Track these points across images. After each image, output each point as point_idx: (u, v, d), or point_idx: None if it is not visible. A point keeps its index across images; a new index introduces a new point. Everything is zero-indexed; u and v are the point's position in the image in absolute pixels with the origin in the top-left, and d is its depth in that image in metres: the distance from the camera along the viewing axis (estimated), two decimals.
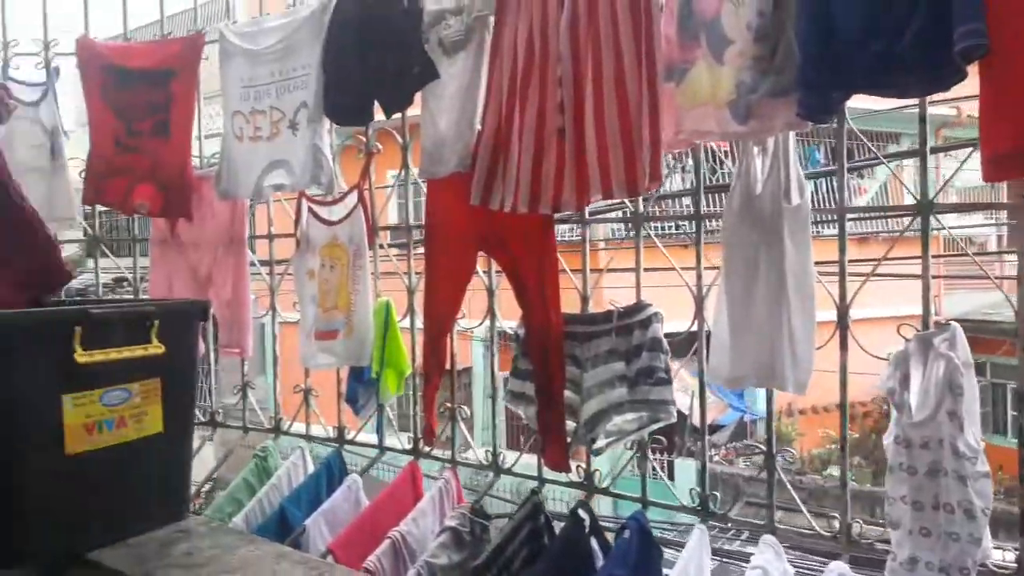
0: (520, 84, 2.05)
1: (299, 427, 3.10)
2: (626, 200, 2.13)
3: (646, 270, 2.19)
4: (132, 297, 3.33)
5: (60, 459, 1.70)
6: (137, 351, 1.83)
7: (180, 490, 2.03)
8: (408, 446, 2.76)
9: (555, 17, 1.99)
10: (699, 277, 2.07)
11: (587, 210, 2.20)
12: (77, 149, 3.25)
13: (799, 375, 1.81)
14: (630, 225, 2.23)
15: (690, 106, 1.82)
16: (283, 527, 2.65)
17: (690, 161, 2.61)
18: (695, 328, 2.12)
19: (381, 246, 2.77)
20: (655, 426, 2.09)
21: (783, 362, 1.81)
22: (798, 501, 2.02)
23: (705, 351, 2.06)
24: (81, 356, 1.70)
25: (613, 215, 2.80)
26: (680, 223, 7.88)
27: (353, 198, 2.70)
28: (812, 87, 1.62)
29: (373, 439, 2.95)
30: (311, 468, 2.95)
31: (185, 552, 1.79)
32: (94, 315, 1.78)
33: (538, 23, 2.02)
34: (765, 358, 1.84)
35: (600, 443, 2.15)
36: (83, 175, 3.06)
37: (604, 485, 2.33)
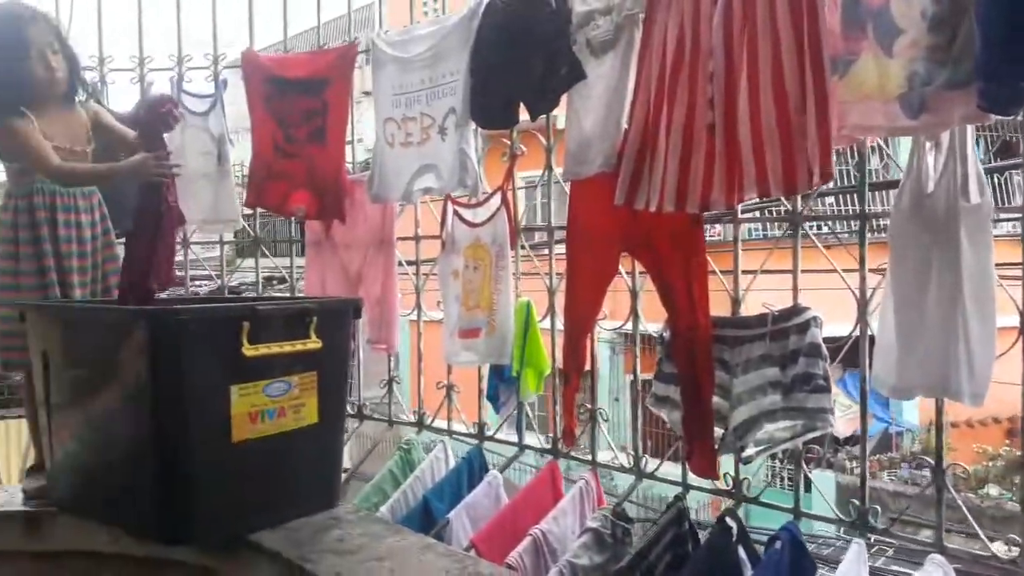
0: (669, 81, 2.01)
1: (437, 422, 3.18)
2: (782, 199, 2.05)
3: (803, 271, 2.09)
4: (289, 295, 3.51)
5: (227, 446, 1.82)
6: (297, 345, 1.92)
7: (332, 479, 2.12)
8: (547, 445, 2.77)
9: (708, 12, 1.94)
10: (863, 280, 1.96)
11: (739, 209, 2.13)
12: (237, 155, 3.47)
13: (976, 386, 1.68)
14: (767, 224, 2.14)
15: (854, 100, 1.73)
16: (426, 518, 2.72)
17: None
18: (850, 334, 2.01)
19: (523, 247, 2.80)
20: (810, 435, 2.00)
21: (958, 372, 1.68)
22: (973, 523, 1.88)
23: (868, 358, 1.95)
24: (248, 350, 1.81)
25: (750, 215, 2.70)
26: (821, 222, 7.52)
27: (496, 200, 2.73)
28: (996, 77, 1.50)
29: (512, 437, 2.98)
30: (452, 462, 3.01)
31: (337, 538, 1.86)
32: (261, 311, 1.89)
33: (690, 18, 1.98)
34: (937, 367, 1.72)
35: (750, 451, 2.09)
36: (244, 180, 3.25)
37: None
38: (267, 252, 3.53)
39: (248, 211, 3.35)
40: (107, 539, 2.03)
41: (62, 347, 2.01)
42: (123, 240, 2.32)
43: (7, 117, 2.11)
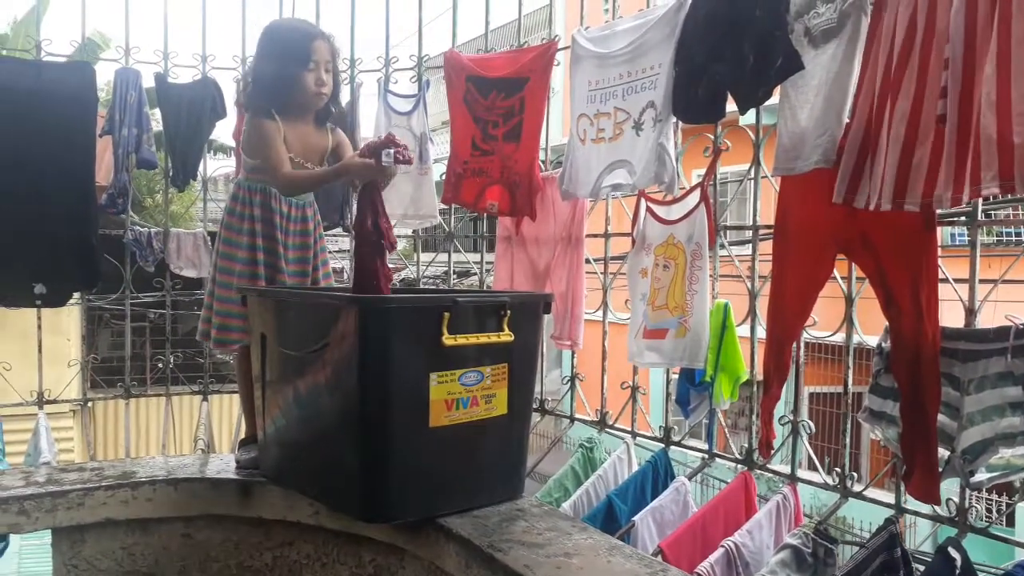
0: (895, 68, 1.84)
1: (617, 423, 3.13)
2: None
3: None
4: (480, 288, 3.58)
5: (424, 430, 1.85)
6: (492, 337, 1.93)
7: (518, 470, 2.11)
8: (740, 456, 2.65)
9: None
10: None
11: (980, 211, 1.92)
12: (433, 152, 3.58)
13: None
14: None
15: None
16: (609, 519, 2.69)
17: None
18: None
19: (722, 246, 2.68)
20: None
21: None
22: None
23: None
24: (448, 339, 1.83)
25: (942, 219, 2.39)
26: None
27: (693, 198, 2.64)
28: None
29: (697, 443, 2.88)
30: (635, 464, 2.95)
31: (523, 530, 1.84)
32: (461, 303, 1.92)
33: (925, 1, 1.80)
34: None
35: (980, 477, 1.88)
36: (443, 177, 3.35)
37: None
38: (459, 247, 3.62)
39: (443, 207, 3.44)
40: (309, 511, 2.13)
41: (277, 329, 2.13)
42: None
43: (262, 116, 2.27)
